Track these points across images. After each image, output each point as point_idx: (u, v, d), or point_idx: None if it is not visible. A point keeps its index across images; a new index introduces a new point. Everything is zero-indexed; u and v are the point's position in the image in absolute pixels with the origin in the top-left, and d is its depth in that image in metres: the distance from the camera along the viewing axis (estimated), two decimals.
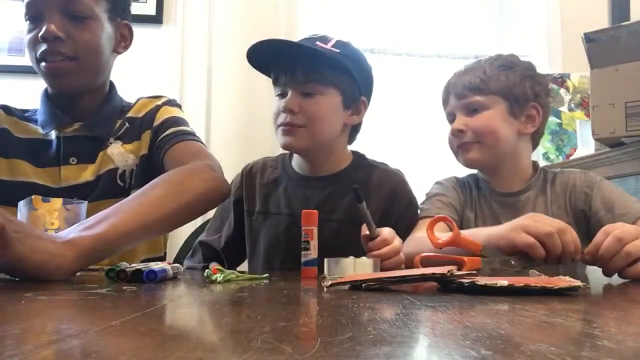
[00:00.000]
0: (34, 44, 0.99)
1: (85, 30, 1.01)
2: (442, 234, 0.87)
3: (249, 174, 1.21)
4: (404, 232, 1.01)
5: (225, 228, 1.21)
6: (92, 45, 1.02)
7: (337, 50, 1.07)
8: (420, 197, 1.20)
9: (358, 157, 1.18)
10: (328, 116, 1.08)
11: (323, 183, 1.13)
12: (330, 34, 1.11)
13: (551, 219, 0.83)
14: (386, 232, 0.92)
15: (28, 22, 1.01)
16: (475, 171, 1.19)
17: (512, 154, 1.10)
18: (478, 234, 0.89)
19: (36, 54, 0.99)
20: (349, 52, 1.09)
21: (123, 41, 1.11)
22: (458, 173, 1.22)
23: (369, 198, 1.09)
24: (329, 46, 1.07)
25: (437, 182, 1.19)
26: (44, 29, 0.96)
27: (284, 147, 1.10)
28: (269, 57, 1.09)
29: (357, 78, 1.09)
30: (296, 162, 1.18)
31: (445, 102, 1.16)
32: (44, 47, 0.98)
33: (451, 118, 1.14)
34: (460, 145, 1.10)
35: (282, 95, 1.09)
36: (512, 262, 0.80)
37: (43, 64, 0.99)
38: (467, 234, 0.88)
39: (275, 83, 1.11)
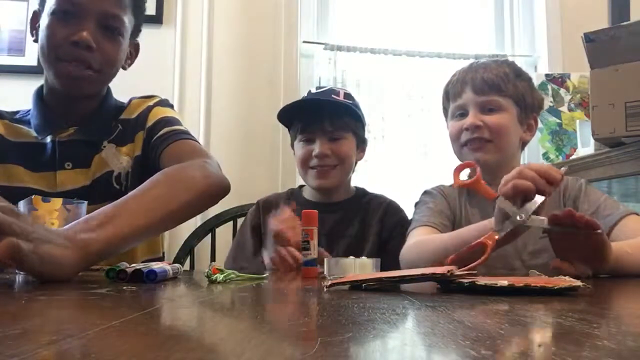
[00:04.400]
0: (59, 43, 0.97)
1: (113, 45, 1.01)
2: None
3: (265, 206, 1.32)
4: (393, 246, 1.16)
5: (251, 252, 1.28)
6: (115, 60, 1.03)
7: (350, 102, 1.27)
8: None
9: (359, 190, 1.36)
10: (351, 156, 1.27)
11: (335, 207, 1.29)
12: (335, 87, 1.32)
13: None
14: None
15: (53, 15, 0.98)
16: None
17: (511, 159, 1.12)
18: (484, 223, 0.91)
19: (57, 53, 0.97)
20: (355, 102, 1.29)
21: (129, 58, 1.12)
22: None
23: (370, 220, 1.28)
24: (342, 98, 1.27)
25: (425, 192, 1.20)
26: (80, 34, 0.95)
27: (318, 188, 1.27)
28: (296, 111, 1.27)
29: (364, 123, 1.30)
30: (308, 193, 1.34)
31: (456, 95, 1.13)
32: (71, 50, 0.96)
33: (460, 112, 1.12)
34: (472, 141, 1.08)
35: (308, 141, 1.26)
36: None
37: (62, 65, 0.97)
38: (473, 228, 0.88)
39: (302, 131, 1.27)
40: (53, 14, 0.98)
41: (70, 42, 0.96)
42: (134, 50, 1.13)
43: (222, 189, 0.96)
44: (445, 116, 1.21)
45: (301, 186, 1.39)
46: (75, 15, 0.97)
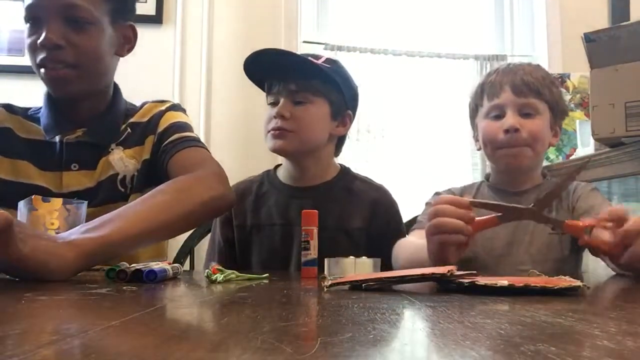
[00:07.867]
0: (33, 49, 0.97)
1: (85, 37, 0.98)
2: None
3: (236, 193, 1.21)
4: (385, 246, 1.03)
5: (218, 254, 1.22)
6: (92, 51, 1.00)
7: (328, 66, 1.14)
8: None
9: (344, 170, 1.24)
10: (316, 123, 1.14)
11: (312, 193, 1.17)
12: (321, 53, 1.18)
13: None
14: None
15: (28, 24, 0.99)
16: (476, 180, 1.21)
17: (540, 164, 1.16)
18: None
19: (36, 59, 0.97)
20: (337, 68, 1.17)
21: (127, 43, 1.08)
22: (457, 171, 1.20)
23: (353, 205, 1.17)
24: (319, 62, 1.14)
25: (436, 193, 1.17)
26: (43, 36, 0.94)
27: (274, 149, 1.14)
28: (264, 67, 1.15)
29: (344, 92, 1.16)
30: (283, 172, 1.23)
31: (494, 94, 1.10)
32: (43, 54, 0.96)
33: (496, 113, 1.10)
34: (510, 144, 1.06)
35: (274, 103, 1.14)
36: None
37: (43, 70, 0.97)
38: None
39: (268, 92, 1.17)
40: (26, 23, 0.99)
41: (40, 47, 0.95)
42: (132, 34, 1.08)
43: (225, 203, 0.96)
44: (472, 116, 1.18)
45: (277, 166, 1.27)
46: (40, 18, 0.96)
